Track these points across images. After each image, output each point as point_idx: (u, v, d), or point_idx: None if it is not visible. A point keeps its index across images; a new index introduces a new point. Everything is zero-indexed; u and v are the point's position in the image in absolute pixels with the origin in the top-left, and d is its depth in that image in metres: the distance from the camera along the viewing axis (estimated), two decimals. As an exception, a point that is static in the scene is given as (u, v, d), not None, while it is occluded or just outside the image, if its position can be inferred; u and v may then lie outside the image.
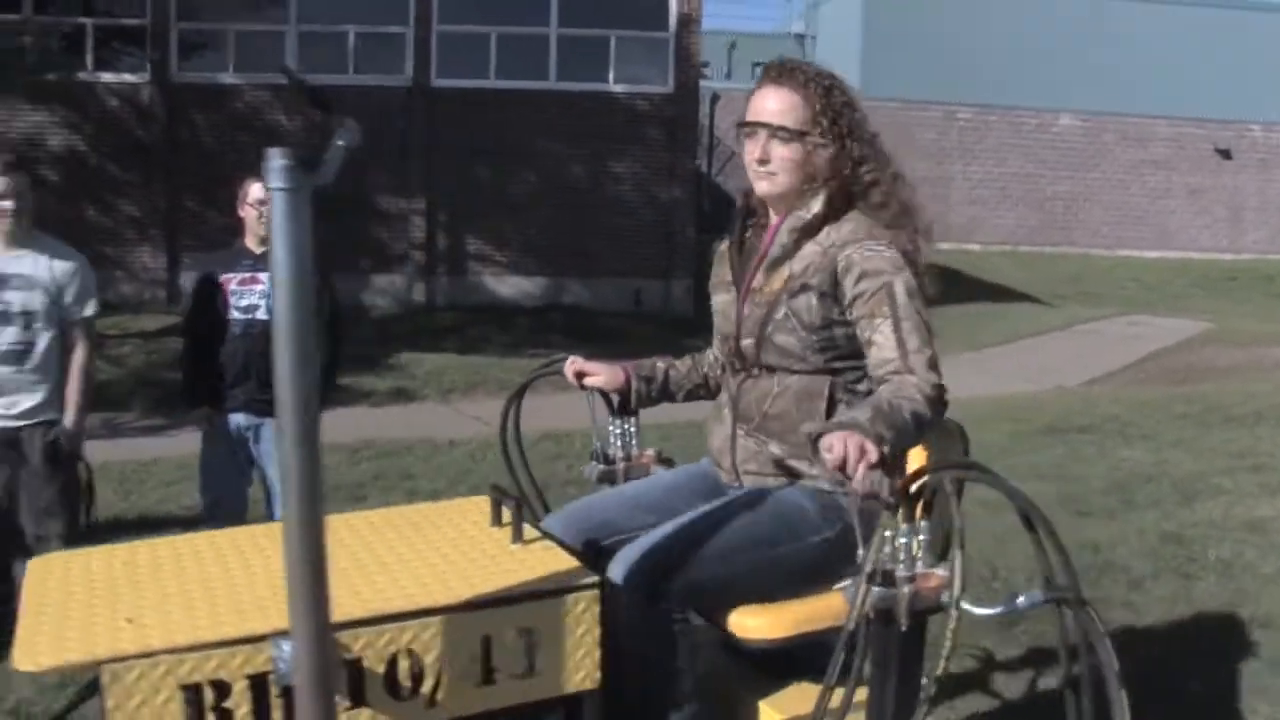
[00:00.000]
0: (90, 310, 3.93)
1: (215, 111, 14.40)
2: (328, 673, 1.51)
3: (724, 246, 2.43)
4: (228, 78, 14.51)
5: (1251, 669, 3.69)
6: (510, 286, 15.22)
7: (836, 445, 1.75)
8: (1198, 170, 23.99)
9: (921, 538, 1.74)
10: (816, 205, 2.22)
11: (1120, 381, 11.34)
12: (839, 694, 1.72)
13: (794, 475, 2.23)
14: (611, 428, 2.57)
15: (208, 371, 4.24)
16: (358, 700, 1.69)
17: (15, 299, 3.76)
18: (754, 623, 2.08)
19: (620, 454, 2.56)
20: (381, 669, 1.69)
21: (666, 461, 2.58)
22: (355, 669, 1.68)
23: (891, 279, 2.12)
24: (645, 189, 15.37)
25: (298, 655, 1.48)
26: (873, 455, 1.74)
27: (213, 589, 1.80)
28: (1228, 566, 4.75)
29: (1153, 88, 22.96)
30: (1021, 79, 22.65)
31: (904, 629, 1.74)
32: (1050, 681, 3.46)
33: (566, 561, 1.92)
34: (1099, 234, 23.66)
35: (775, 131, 2.22)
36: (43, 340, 3.82)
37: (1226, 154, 23.97)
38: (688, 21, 15.13)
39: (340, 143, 1.41)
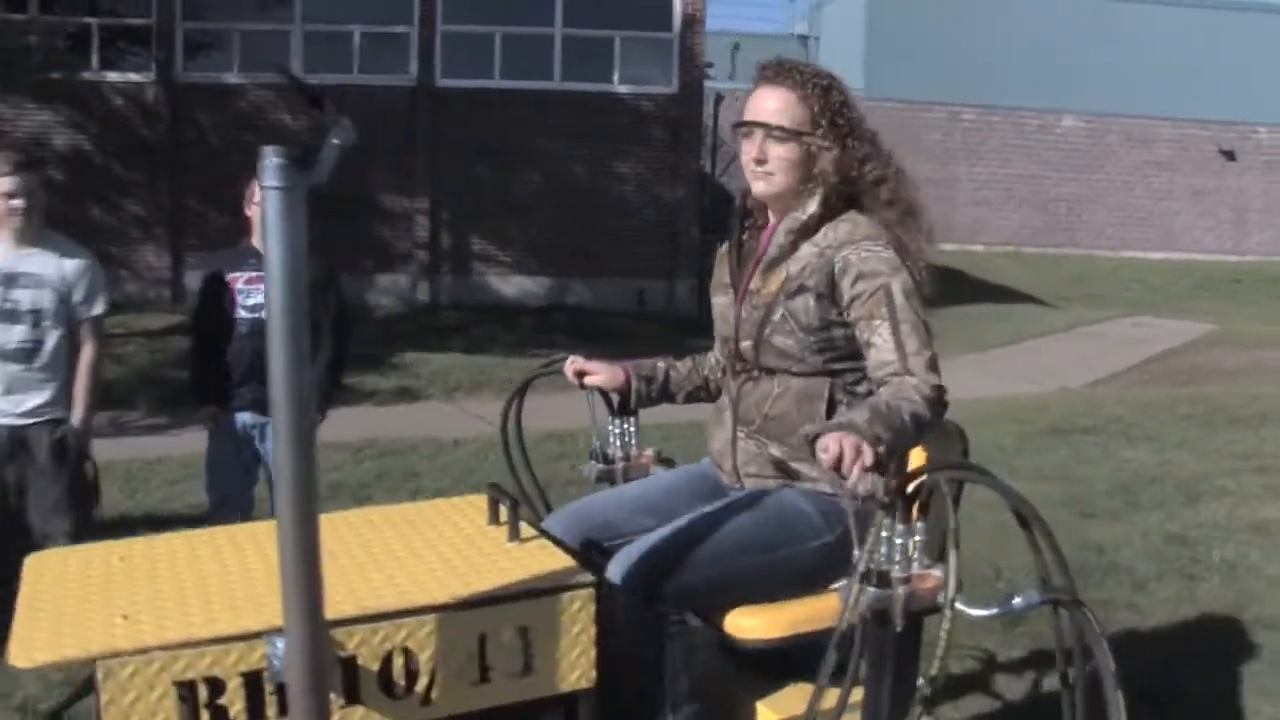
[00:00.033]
0: (99, 309, 3.94)
1: (220, 111, 14.42)
2: (322, 670, 1.51)
3: (724, 249, 2.43)
4: (233, 77, 14.53)
5: (1255, 670, 3.69)
6: (514, 286, 15.23)
7: (832, 445, 1.75)
8: (1202, 172, 23.94)
9: (917, 538, 1.74)
10: (813, 205, 2.21)
11: (1124, 383, 11.32)
12: (832, 694, 1.72)
13: (795, 477, 2.22)
14: (611, 427, 2.57)
15: (214, 370, 4.24)
16: (352, 698, 1.69)
17: (24, 297, 3.77)
18: (749, 623, 2.07)
19: (619, 454, 2.56)
20: (376, 667, 1.69)
21: (666, 461, 2.57)
22: (350, 667, 1.68)
23: (889, 280, 2.11)
24: (649, 189, 15.37)
25: (291, 652, 1.49)
26: (868, 457, 1.74)
27: (209, 586, 1.80)
28: (1232, 568, 4.74)
29: (1157, 89, 22.91)
30: (1025, 80, 22.61)
31: (899, 630, 1.74)
32: (1052, 683, 3.45)
33: (562, 560, 1.91)
34: (1103, 235, 23.62)
35: (771, 131, 2.22)
36: (51, 339, 3.83)
37: (1231, 156, 23.91)
38: (692, 22, 15.14)
39: (335, 141, 1.41)
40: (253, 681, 1.62)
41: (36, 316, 3.79)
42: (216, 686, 1.61)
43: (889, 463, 1.80)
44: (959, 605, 1.69)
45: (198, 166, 14.05)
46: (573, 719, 1.88)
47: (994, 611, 1.73)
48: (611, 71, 15.22)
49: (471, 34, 14.89)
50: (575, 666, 1.83)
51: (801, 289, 2.19)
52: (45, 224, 3.87)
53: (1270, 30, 23.67)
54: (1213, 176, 23.98)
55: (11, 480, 3.82)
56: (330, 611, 1.55)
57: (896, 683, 1.81)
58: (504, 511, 2.04)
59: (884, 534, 1.74)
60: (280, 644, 1.56)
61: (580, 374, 2.55)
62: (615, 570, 2.04)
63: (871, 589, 1.71)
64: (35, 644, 1.61)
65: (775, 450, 2.23)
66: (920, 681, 1.70)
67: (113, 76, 14.61)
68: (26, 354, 3.79)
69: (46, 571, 1.88)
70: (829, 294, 2.16)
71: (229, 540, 2.03)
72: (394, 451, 7.22)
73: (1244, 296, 19.80)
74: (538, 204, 15.07)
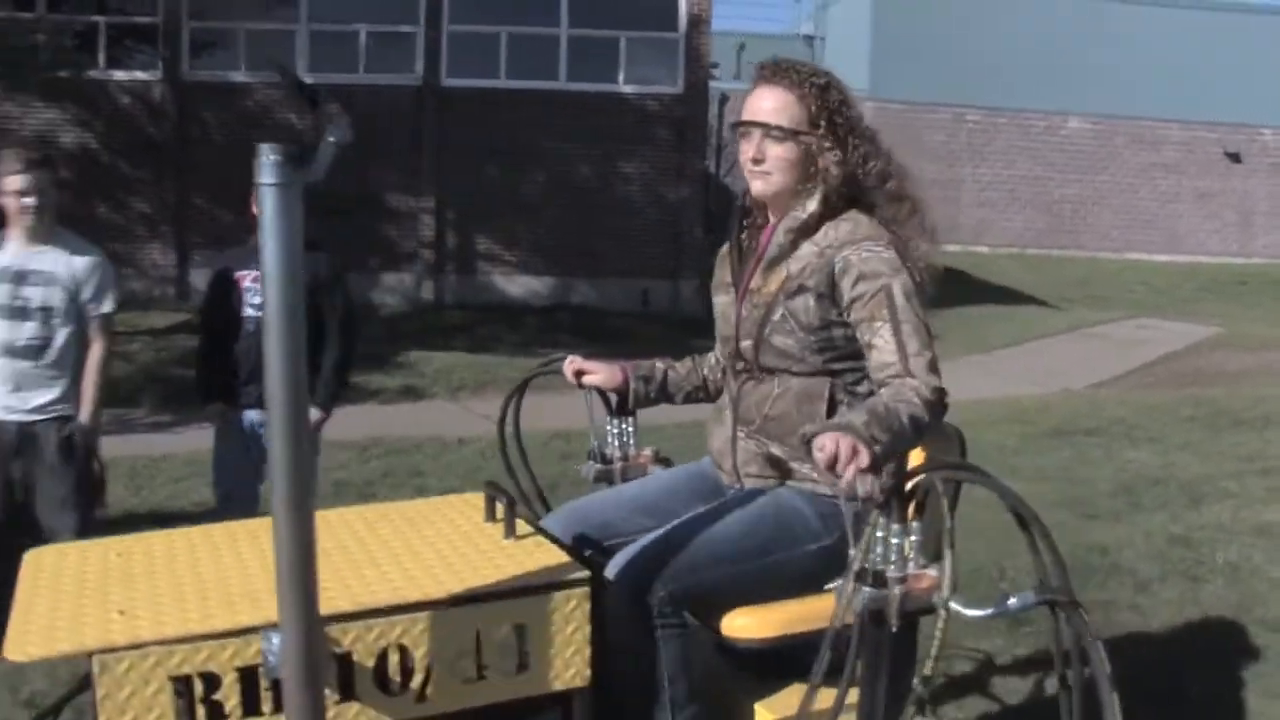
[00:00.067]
0: (108, 307, 3.95)
1: (226, 109, 14.45)
2: (317, 666, 1.51)
3: (724, 249, 2.42)
4: (239, 76, 14.56)
5: (1258, 672, 3.68)
6: (519, 286, 15.24)
7: (829, 445, 1.75)
8: (1207, 174, 23.89)
9: (913, 538, 1.73)
10: (812, 204, 2.21)
11: (1128, 385, 11.30)
12: (827, 694, 1.71)
13: (795, 477, 2.22)
14: (609, 427, 2.57)
15: (222, 367, 4.25)
16: (347, 694, 1.69)
17: (35, 294, 3.79)
18: (744, 623, 2.07)
19: (617, 453, 2.56)
20: (371, 663, 1.70)
21: (664, 461, 2.57)
22: (345, 663, 1.68)
23: (890, 281, 2.10)
24: (654, 189, 15.37)
25: (287, 648, 1.49)
26: (864, 459, 1.73)
27: (205, 582, 1.80)
28: (1235, 570, 4.73)
29: (1162, 91, 22.87)
30: (1030, 81, 22.58)
31: (894, 629, 1.73)
32: (1051, 684, 3.45)
33: (558, 558, 1.91)
34: (1107, 237, 23.58)
35: (769, 131, 2.21)
36: (61, 336, 3.84)
37: (1236, 158, 23.86)
38: (697, 22, 15.14)
39: (331, 139, 1.41)
40: (248, 677, 1.63)
41: (46, 314, 3.80)
42: (212, 681, 1.61)
43: (885, 464, 1.80)
44: (954, 605, 1.68)
45: (203, 165, 14.09)
46: (568, 718, 1.88)
47: (989, 612, 1.72)
48: (617, 71, 15.22)
49: (477, 34, 14.90)
50: (570, 665, 1.83)
51: (801, 289, 2.18)
52: (56, 222, 3.89)
53: (1275, 33, 23.60)
54: (1218, 179, 23.93)
55: (19, 476, 3.84)
56: (326, 607, 1.55)
57: (892, 683, 1.81)
58: (500, 509, 2.04)
59: (879, 534, 1.74)
60: (276, 639, 1.56)
61: (579, 373, 2.55)
62: (613, 571, 2.04)
63: (867, 589, 1.71)
64: (30, 638, 1.61)
65: (775, 450, 2.22)
66: (915, 681, 1.70)
67: (119, 75, 14.65)
68: (36, 351, 3.80)
69: (44, 566, 1.88)
70: (829, 294, 2.16)
71: (226, 536, 2.03)
72: (399, 450, 7.23)
73: (1249, 299, 19.74)
74: (543, 203, 15.08)
